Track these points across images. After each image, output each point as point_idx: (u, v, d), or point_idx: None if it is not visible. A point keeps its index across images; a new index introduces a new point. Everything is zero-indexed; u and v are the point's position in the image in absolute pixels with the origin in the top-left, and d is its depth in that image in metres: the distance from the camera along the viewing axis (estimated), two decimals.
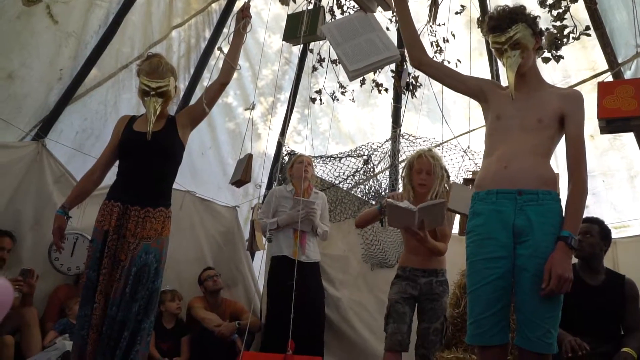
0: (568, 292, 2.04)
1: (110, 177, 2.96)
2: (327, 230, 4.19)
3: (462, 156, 4.50)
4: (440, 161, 3.31)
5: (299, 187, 4.13)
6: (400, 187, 4.77)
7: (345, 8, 4.44)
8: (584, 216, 3.52)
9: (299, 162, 4.19)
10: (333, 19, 4.19)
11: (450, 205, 2.99)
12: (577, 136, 2.17)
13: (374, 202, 4.84)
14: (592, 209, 4.50)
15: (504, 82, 2.63)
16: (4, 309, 1.74)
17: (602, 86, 2.41)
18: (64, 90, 4.29)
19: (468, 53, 3.95)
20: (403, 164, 4.60)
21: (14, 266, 3.87)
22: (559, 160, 3.01)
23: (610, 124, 2.31)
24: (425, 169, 3.24)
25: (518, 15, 2.25)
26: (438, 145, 4.65)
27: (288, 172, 4.30)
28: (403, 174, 3.45)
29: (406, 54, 2.63)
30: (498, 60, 3.98)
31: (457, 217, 3.43)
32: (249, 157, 3.31)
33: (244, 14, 2.99)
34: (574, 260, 3.48)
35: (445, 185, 3.28)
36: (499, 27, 2.25)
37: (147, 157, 2.79)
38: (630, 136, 4.23)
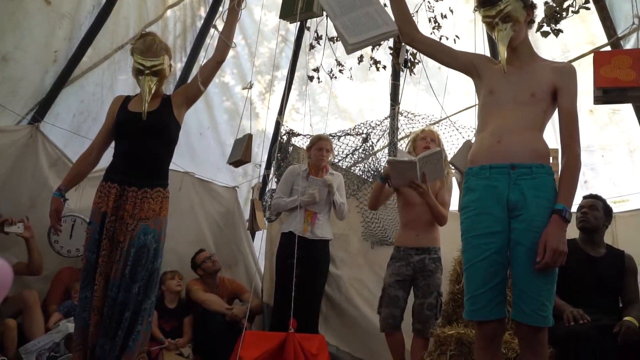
0: (570, 263, 2.04)
1: (108, 159, 2.95)
2: (344, 203, 4.25)
3: (461, 133, 4.49)
4: (438, 136, 3.60)
5: (314, 170, 4.17)
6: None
7: None
8: (587, 192, 3.62)
9: (317, 148, 4.20)
10: None
11: (452, 160, 3.23)
12: (570, 109, 2.16)
13: (371, 180, 4.84)
14: (591, 183, 4.50)
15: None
16: (3, 289, 1.75)
17: (598, 55, 2.38)
18: (59, 72, 4.26)
19: (466, 28, 3.91)
20: (402, 142, 4.63)
21: (13, 247, 3.90)
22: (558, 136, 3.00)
23: (606, 94, 2.28)
24: (429, 136, 3.53)
25: None
26: (437, 122, 4.64)
27: (307, 151, 4.34)
28: (407, 149, 3.65)
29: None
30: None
31: (457, 193, 3.46)
32: (249, 137, 3.30)
33: None
34: (575, 235, 3.52)
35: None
36: (489, 0, 2.22)
37: (143, 137, 2.77)
38: (629, 110, 4.20)
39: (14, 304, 3.67)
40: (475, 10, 2.36)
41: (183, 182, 4.98)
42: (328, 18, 4.56)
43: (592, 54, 4.03)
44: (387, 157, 4.87)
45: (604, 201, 3.53)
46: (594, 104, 2.37)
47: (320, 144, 4.22)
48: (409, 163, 3.15)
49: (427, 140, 3.49)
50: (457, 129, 4.51)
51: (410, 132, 4.80)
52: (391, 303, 3.33)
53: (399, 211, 3.62)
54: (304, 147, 4.60)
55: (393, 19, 2.48)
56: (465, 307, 2.17)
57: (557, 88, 2.18)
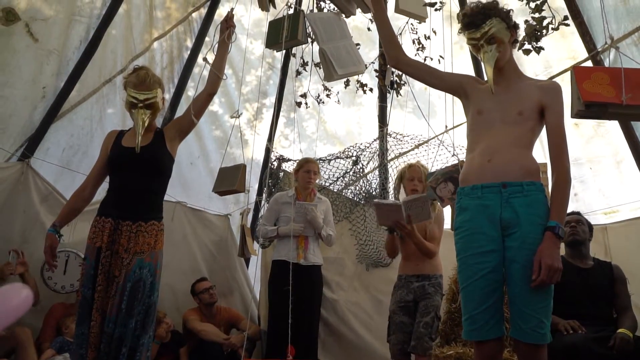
0: (561, 277, 2.05)
1: (101, 192, 2.94)
2: (331, 234, 4.24)
3: (453, 154, 4.52)
4: (427, 170, 3.57)
5: (301, 193, 4.18)
6: (390, 187, 4.82)
7: (325, 11, 4.45)
8: (577, 205, 3.67)
9: (305, 170, 4.23)
10: None
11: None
12: (558, 126, 2.19)
13: (363, 202, 4.86)
14: (580, 196, 4.55)
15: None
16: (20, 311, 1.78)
17: (578, 70, 2.40)
18: (48, 108, 4.27)
19: (449, 48, 3.98)
20: (394, 169, 4.67)
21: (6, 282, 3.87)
22: (546, 152, 3.04)
23: (588, 108, 2.31)
24: (417, 176, 3.51)
25: (491, 10, 2.27)
26: (425, 143, 4.68)
27: (294, 174, 4.35)
28: (394, 185, 3.69)
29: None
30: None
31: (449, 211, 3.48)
32: (243, 167, 3.31)
33: (229, 24, 2.99)
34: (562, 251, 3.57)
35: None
36: (473, 23, 2.27)
37: (137, 171, 2.77)
38: (614, 122, 4.27)
39: (7, 342, 3.61)
40: (459, 32, 2.40)
41: (175, 212, 4.97)
42: (313, 45, 4.66)
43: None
44: (377, 179, 4.90)
45: (584, 217, 3.68)
46: (572, 117, 2.39)
47: (308, 166, 4.24)
48: (393, 206, 3.23)
49: (414, 182, 3.51)
50: (446, 148, 4.54)
51: (400, 153, 4.84)
52: (397, 329, 3.34)
53: (399, 244, 3.63)
54: None
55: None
56: (463, 327, 2.17)
57: (544, 106, 2.21)
